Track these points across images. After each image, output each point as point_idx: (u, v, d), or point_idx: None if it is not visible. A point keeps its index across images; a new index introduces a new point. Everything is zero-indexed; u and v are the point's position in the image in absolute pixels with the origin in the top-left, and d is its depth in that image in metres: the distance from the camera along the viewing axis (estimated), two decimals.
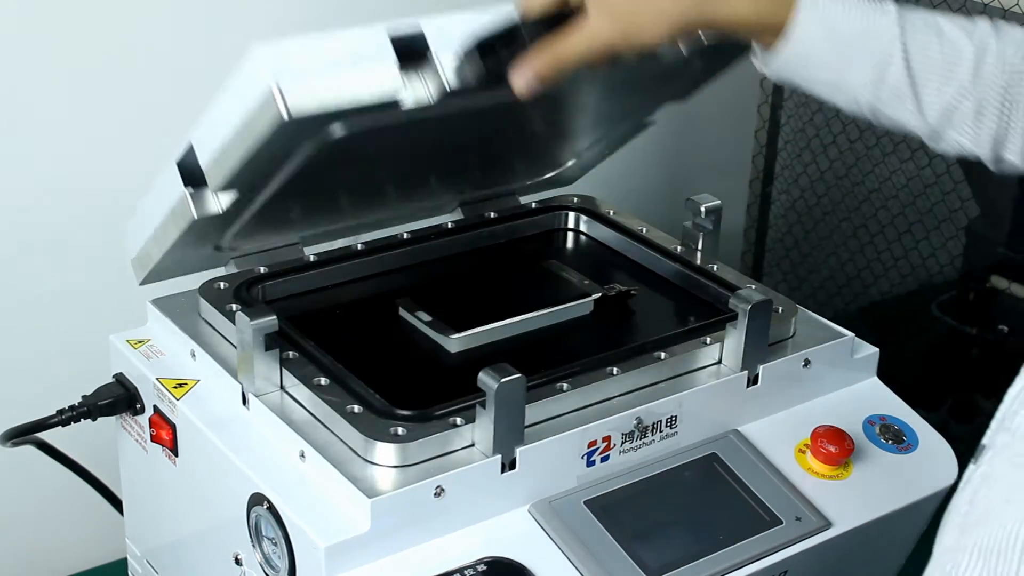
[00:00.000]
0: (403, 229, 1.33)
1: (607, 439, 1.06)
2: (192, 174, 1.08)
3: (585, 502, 1.04)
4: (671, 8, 1.01)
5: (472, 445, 1.01)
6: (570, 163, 1.39)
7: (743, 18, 1.02)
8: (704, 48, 1.11)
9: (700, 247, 1.30)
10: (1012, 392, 0.84)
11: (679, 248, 1.31)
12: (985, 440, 0.85)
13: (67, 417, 1.20)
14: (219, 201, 1.09)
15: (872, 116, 1.05)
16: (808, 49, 1.02)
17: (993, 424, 0.84)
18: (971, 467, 0.84)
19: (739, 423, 1.15)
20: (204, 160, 1.05)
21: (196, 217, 1.09)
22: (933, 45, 1.02)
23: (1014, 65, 1.00)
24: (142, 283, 1.21)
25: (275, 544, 1.00)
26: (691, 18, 1.01)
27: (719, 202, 1.31)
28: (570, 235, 1.40)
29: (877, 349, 1.22)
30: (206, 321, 1.17)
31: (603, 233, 1.37)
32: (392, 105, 1.00)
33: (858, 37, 1.02)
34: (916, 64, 1.02)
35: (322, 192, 1.19)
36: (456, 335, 1.16)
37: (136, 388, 1.18)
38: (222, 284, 1.20)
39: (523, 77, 1.00)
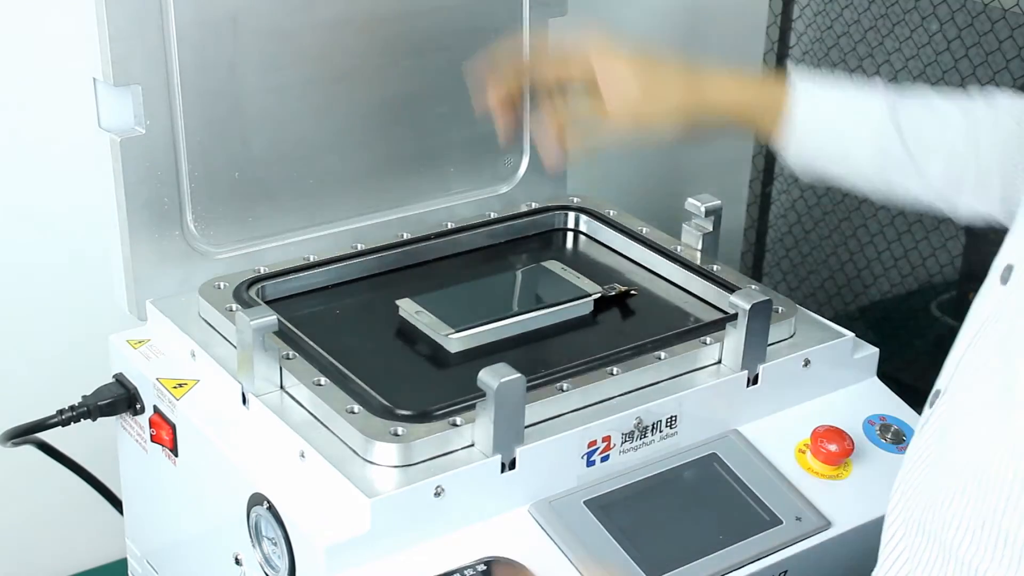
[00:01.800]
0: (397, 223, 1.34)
1: (607, 439, 1.06)
2: None
3: (585, 502, 1.04)
4: (678, 101, 1.11)
5: (472, 445, 1.01)
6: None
7: (740, 102, 1.12)
8: None
9: (700, 247, 1.30)
10: (965, 338, 0.88)
11: (679, 248, 1.31)
12: (939, 385, 0.89)
13: (67, 417, 1.20)
14: (135, 117, 1.16)
15: (889, 192, 1.10)
16: (806, 128, 1.10)
17: (947, 369, 0.89)
18: (928, 411, 0.89)
19: (739, 423, 1.15)
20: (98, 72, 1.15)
21: (120, 139, 1.15)
22: (925, 118, 1.08)
23: (1009, 128, 1.05)
24: (137, 312, 1.22)
25: (275, 544, 1.00)
26: (696, 108, 1.11)
27: (719, 202, 1.31)
28: (570, 235, 1.40)
29: (877, 349, 1.22)
30: (206, 321, 1.17)
31: (603, 233, 1.37)
32: None
33: (850, 114, 1.09)
34: (910, 138, 1.08)
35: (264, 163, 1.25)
36: (456, 334, 1.16)
37: (136, 388, 1.18)
38: (222, 284, 1.20)
39: (553, 159, 1.14)
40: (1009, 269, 0.86)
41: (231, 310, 1.15)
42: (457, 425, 1.01)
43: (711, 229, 1.30)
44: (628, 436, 1.07)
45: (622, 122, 1.11)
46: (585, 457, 1.05)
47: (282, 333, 1.08)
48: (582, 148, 1.14)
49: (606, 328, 1.23)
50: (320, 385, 1.05)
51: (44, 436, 1.24)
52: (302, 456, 1.02)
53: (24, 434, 1.21)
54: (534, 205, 1.41)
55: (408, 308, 1.20)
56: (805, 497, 1.10)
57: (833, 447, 1.11)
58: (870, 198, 1.14)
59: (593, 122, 1.12)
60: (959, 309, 1.18)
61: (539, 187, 1.43)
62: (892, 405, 1.20)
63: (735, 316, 1.12)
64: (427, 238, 1.33)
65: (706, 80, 1.12)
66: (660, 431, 1.09)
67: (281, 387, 1.07)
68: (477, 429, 1.01)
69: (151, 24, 1.14)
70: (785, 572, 1.06)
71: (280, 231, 1.29)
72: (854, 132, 1.09)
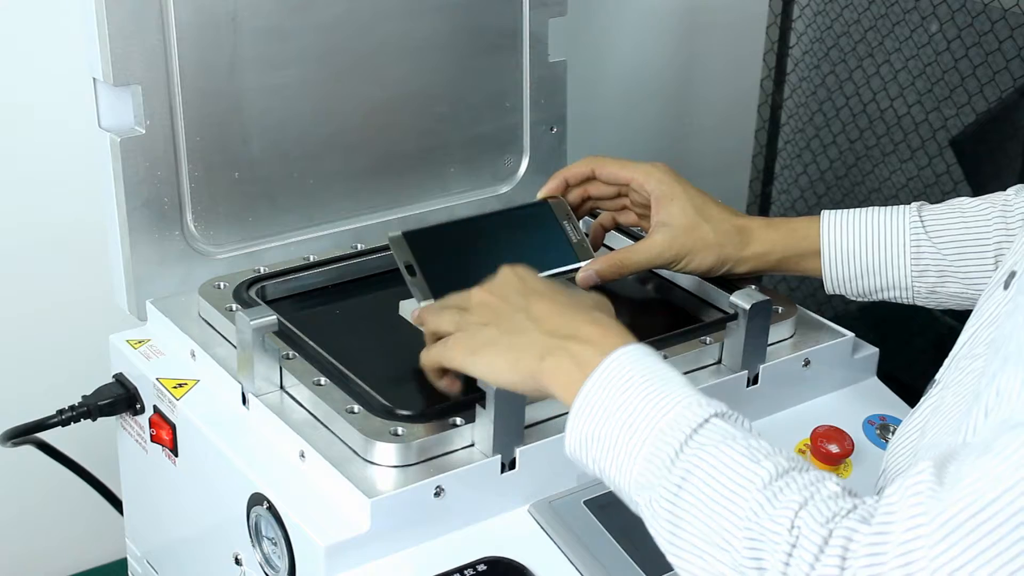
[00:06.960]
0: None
1: None
2: None
3: (585, 502, 1.04)
4: (721, 246, 1.16)
5: (472, 445, 1.01)
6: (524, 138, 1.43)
7: (775, 250, 1.16)
8: None
9: None
10: (964, 336, 0.92)
11: None
12: (937, 376, 0.94)
13: (67, 417, 1.20)
14: (135, 117, 1.17)
15: (936, 300, 1.16)
16: (843, 261, 1.15)
17: (946, 362, 0.93)
18: (923, 399, 0.93)
19: None
20: (98, 72, 1.15)
21: (120, 139, 1.15)
22: (954, 218, 1.12)
23: None
24: (137, 312, 1.22)
25: (275, 544, 1.00)
26: (734, 256, 1.15)
27: None
28: None
29: (877, 349, 1.22)
30: (206, 321, 1.17)
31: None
32: None
33: (881, 236, 1.13)
34: (941, 241, 1.12)
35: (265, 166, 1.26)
36: None
37: (136, 388, 1.18)
38: (222, 284, 1.20)
39: (587, 274, 1.17)
40: (1012, 275, 0.87)
41: (231, 310, 1.15)
42: (457, 425, 1.01)
43: None
44: None
45: (659, 247, 1.16)
46: None
47: (282, 333, 1.08)
48: (615, 268, 1.18)
49: None
50: (320, 385, 1.05)
51: (44, 436, 1.24)
52: (302, 456, 1.02)
53: (24, 434, 1.21)
54: None
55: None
56: None
57: (833, 447, 1.11)
58: (924, 306, 1.18)
59: (636, 245, 1.18)
60: (959, 310, 1.19)
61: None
62: (892, 405, 1.20)
63: (735, 316, 1.12)
64: None
65: (750, 231, 1.17)
66: None
67: (281, 387, 1.07)
68: (477, 429, 1.01)
69: (151, 24, 1.15)
70: None
71: (280, 231, 1.29)
72: (886, 247, 1.14)
